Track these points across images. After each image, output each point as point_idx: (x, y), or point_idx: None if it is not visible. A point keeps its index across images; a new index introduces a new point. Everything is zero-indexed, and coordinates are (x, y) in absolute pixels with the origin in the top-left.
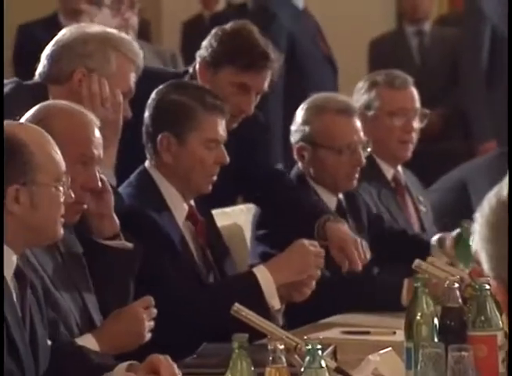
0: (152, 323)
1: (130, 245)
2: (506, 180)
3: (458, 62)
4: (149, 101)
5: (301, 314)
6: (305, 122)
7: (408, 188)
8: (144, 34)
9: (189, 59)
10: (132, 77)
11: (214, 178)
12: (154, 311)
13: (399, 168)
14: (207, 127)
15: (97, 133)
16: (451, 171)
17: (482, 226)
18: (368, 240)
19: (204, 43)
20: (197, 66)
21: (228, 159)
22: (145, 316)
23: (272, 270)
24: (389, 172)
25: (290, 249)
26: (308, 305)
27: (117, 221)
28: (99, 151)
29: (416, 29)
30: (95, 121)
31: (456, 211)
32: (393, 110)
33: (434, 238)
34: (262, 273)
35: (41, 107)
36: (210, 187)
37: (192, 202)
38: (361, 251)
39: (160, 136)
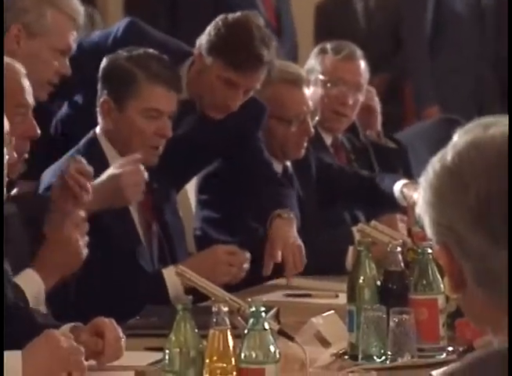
0: (86, 239)
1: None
2: (450, 145)
3: (401, 27)
4: (101, 64)
5: (250, 276)
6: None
7: (345, 153)
8: None
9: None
10: (71, 34)
11: (158, 149)
12: (85, 225)
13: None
14: (147, 96)
15: (26, 81)
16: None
17: (426, 190)
18: (319, 194)
19: (207, 29)
20: (195, 51)
21: (170, 132)
22: (78, 235)
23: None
24: (328, 139)
25: (203, 253)
26: (253, 269)
27: None
28: (31, 98)
29: None
30: (22, 69)
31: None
32: (332, 79)
33: (397, 187)
34: (169, 274)
35: None
36: (154, 159)
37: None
38: (297, 259)
39: (101, 100)
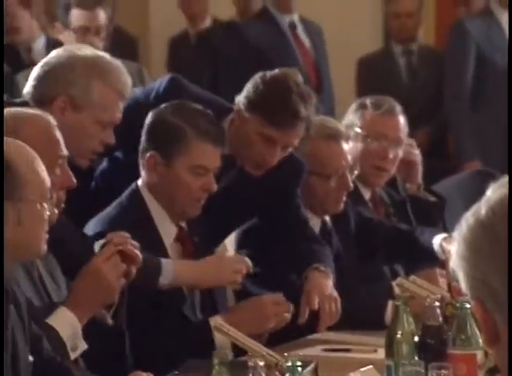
0: (123, 267)
1: None
2: (484, 199)
3: (443, 82)
4: (148, 118)
5: (284, 331)
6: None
7: (384, 207)
8: (131, 51)
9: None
10: (117, 107)
11: (201, 203)
12: (123, 266)
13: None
14: (196, 153)
15: (59, 133)
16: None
17: (459, 244)
18: (359, 250)
19: (246, 86)
20: (235, 107)
21: (215, 187)
22: (110, 266)
23: (228, 322)
24: (366, 193)
25: (250, 304)
26: (292, 323)
27: None
28: (65, 149)
29: (403, 48)
30: (52, 120)
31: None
32: (372, 134)
33: (437, 240)
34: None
35: (8, 117)
36: (197, 212)
37: (183, 224)
38: (333, 310)
39: (148, 154)
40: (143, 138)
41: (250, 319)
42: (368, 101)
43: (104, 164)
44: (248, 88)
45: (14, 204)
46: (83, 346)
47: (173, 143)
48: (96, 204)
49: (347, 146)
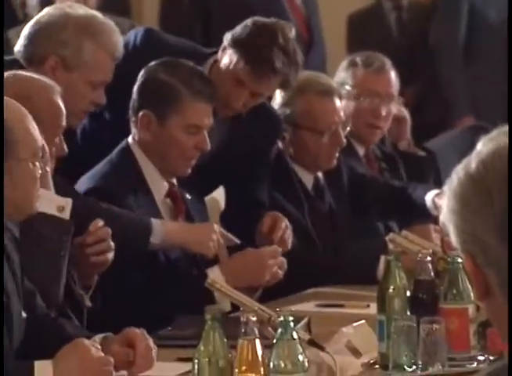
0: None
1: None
2: (474, 153)
3: (434, 37)
4: (139, 76)
5: (277, 287)
6: (286, 103)
7: (378, 163)
8: (124, 6)
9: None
10: (109, 67)
11: (193, 162)
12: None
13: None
14: (190, 112)
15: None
16: (424, 144)
17: (450, 198)
18: (351, 205)
19: (236, 28)
20: (221, 47)
21: (209, 146)
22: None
23: (226, 274)
24: (361, 150)
25: (248, 255)
26: (283, 280)
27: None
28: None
29: (393, 3)
30: (58, 88)
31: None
32: (363, 92)
33: (429, 196)
34: (216, 276)
35: (20, 81)
36: (188, 170)
37: (174, 181)
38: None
39: (141, 113)
40: (135, 96)
41: (249, 271)
42: (358, 58)
43: (84, 121)
44: (237, 29)
45: (7, 162)
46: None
47: (167, 102)
48: (78, 162)
49: (339, 103)
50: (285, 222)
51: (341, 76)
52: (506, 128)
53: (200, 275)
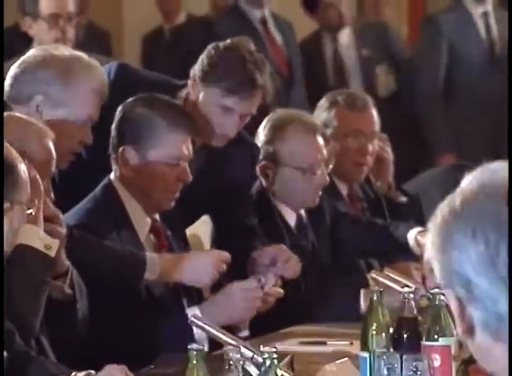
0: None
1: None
2: (458, 190)
3: (416, 76)
4: (117, 112)
5: (265, 323)
6: (269, 141)
7: (361, 203)
8: (105, 46)
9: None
10: (94, 104)
11: (176, 195)
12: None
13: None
14: (169, 144)
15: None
16: (406, 183)
17: (434, 236)
18: (330, 244)
19: (199, 59)
20: (189, 82)
21: (190, 177)
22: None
23: (204, 313)
24: (344, 189)
25: (220, 295)
26: (270, 315)
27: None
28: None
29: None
30: (51, 134)
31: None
32: (349, 132)
33: (412, 235)
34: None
35: (15, 124)
36: (171, 204)
37: (157, 216)
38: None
39: (121, 149)
40: (114, 133)
41: (221, 309)
42: (340, 98)
43: None
44: (202, 59)
45: (12, 206)
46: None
47: (145, 137)
48: (58, 203)
49: (322, 141)
50: (284, 248)
51: (323, 116)
52: (490, 165)
53: (181, 312)
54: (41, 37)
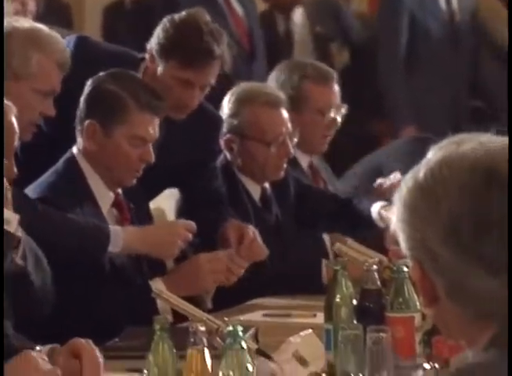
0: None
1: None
2: (423, 163)
3: (376, 47)
4: (86, 86)
5: (228, 296)
6: (233, 114)
7: (321, 175)
8: (65, 18)
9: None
10: (57, 77)
11: (138, 173)
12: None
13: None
14: (136, 124)
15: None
16: (368, 156)
17: (399, 207)
18: (297, 216)
19: (155, 32)
20: (146, 55)
21: (153, 158)
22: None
23: (167, 285)
24: (305, 161)
25: (186, 265)
26: (234, 288)
27: None
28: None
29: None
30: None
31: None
32: (323, 108)
33: (375, 208)
34: (158, 287)
35: None
36: (133, 181)
37: (119, 190)
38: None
39: (87, 122)
40: (81, 106)
41: (187, 280)
42: (309, 71)
43: None
44: (158, 33)
45: None
46: None
47: (113, 113)
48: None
49: (286, 114)
50: (252, 230)
51: (291, 90)
52: (455, 138)
53: (144, 284)
54: None
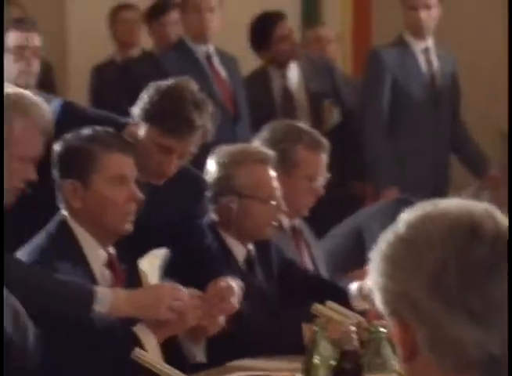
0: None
1: None
2: (401, 220)
3: (360, 110)
4: (53, 150)
5: (208, 356)
6: (228, 176)
7: (303, 235)
8: (47, 79)
9: (98, 105)
10: (39, 143)
11: (131, 216)
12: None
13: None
14: (109, 165)
15: None
16: (348, 218)
17: (378, 262)
18: (278, 287)
19: (141, 97)
20: (130, 119)
21: (141, 196)
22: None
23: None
24: (287, 222)
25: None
26: (213, 348)
27: None
28: None
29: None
30: None
31: (351, 258)
32: (311, 175)
33: (354, 286)
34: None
35: None
36: (128, 226)
37: (111, 250)
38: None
39: (65, 184)
40: (55, 170)
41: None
42: (303, 136)
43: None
44: (143, 98)
45: None
46: None
47: (85, 164)
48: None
49: (274, 173)
50: (236, 282)
51: (283, 152)
52: (433, 201)
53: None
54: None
